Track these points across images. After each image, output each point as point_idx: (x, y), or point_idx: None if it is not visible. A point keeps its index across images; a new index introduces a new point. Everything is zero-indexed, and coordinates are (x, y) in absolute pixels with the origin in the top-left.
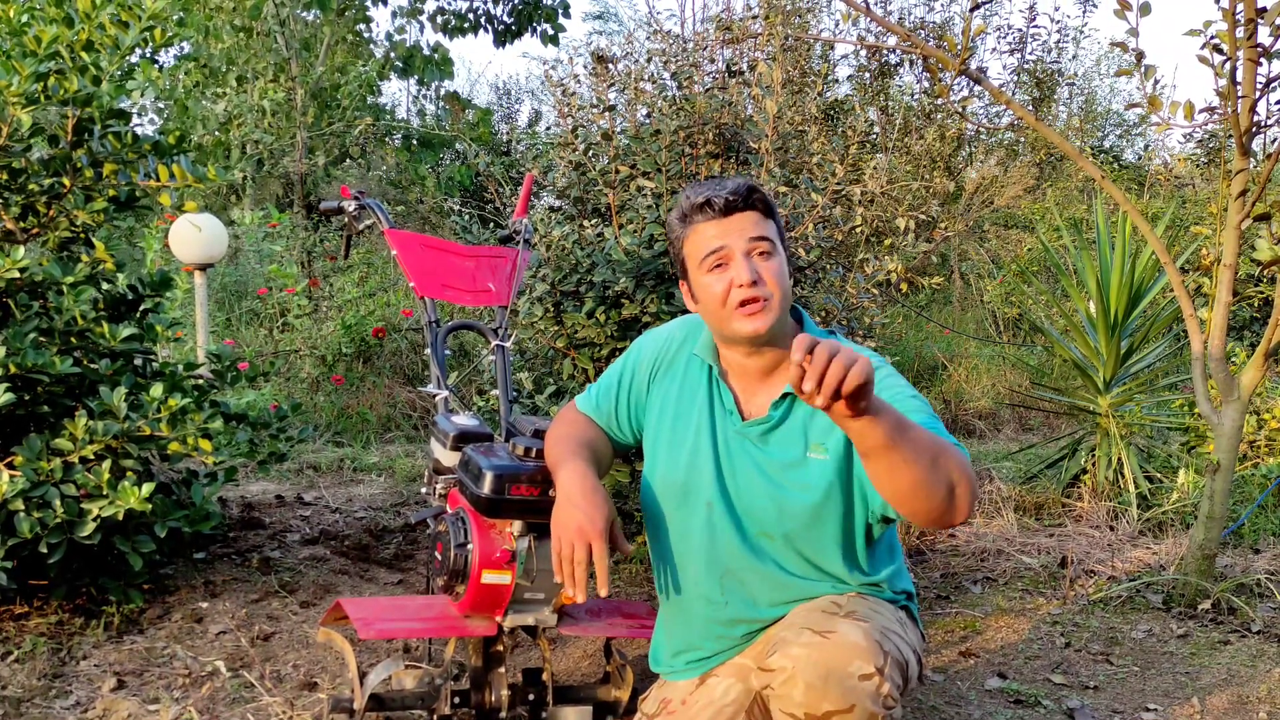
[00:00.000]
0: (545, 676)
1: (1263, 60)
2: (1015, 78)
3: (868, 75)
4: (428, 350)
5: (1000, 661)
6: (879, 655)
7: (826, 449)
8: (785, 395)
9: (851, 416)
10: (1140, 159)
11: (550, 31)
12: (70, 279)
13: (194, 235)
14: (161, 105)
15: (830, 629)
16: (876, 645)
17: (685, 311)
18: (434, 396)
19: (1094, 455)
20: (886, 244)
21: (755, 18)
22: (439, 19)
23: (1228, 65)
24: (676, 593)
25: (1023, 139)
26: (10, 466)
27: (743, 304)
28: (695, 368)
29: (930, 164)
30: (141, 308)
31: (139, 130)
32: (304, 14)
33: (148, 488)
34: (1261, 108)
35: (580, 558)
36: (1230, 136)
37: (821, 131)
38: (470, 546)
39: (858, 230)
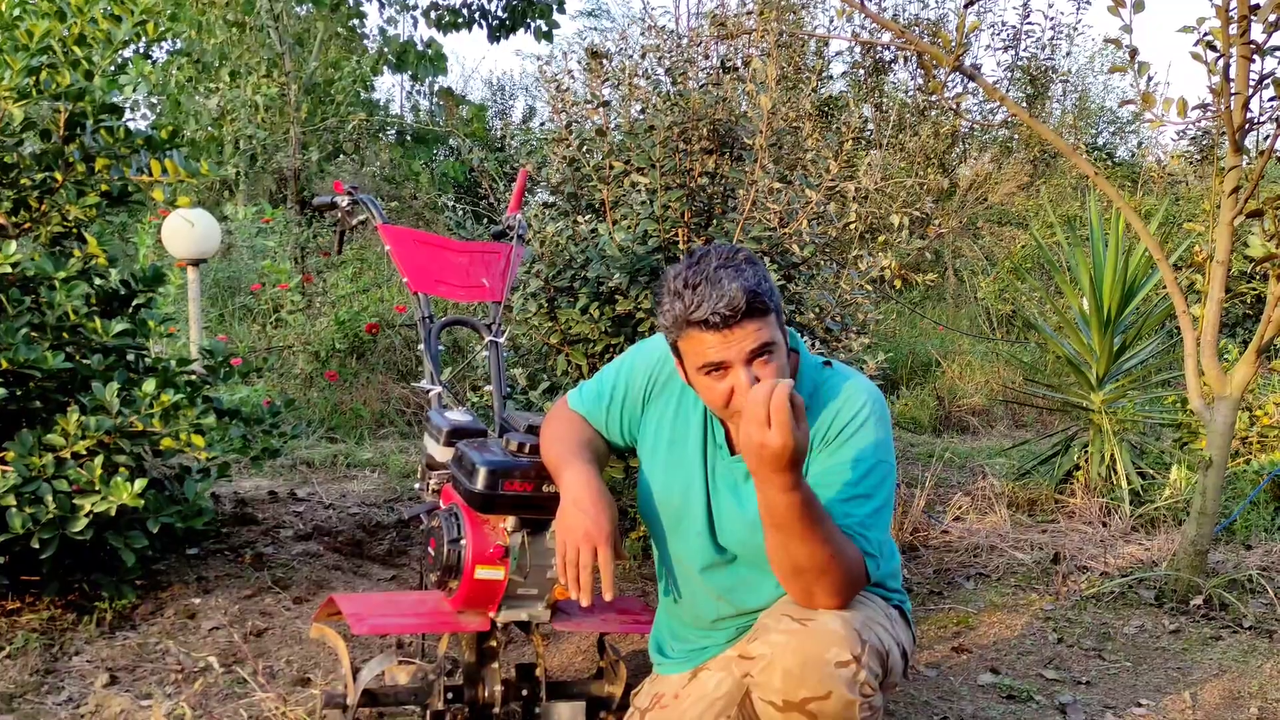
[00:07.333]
0: (539, 672)
1: (1255, 57)
2: (1009, 75)
3: (862, 71)
4: (421, 346)
5: (993, 657)
6: (856, 643)
7: None
8: None
9: (776, 485)
10: (1134, 156)
11: (544, 27)
12: (62, 274)
13: (187, 230)
14: (154, 100)
15: (809, 617)
16: (855, 633)
17: None
18: (427, 392)
19: (1087, 451)
20: (881, 240)
21: (749, 13)
22: (432, 14)
23: (1221, 62)
24: (676, 593)
25: (1016, 136)
26: (2, 462)
27: None
28: (690, 394)
29: (924, 161)
30: (134, 303)
31: (131, 125)
32: (297, 9)
33: (140, 483)
34: (1254, 104)
35: (586, 562)
36: (1223, 133)
37: (816, 128)
38: (464, 542)
39: (852, 226)
